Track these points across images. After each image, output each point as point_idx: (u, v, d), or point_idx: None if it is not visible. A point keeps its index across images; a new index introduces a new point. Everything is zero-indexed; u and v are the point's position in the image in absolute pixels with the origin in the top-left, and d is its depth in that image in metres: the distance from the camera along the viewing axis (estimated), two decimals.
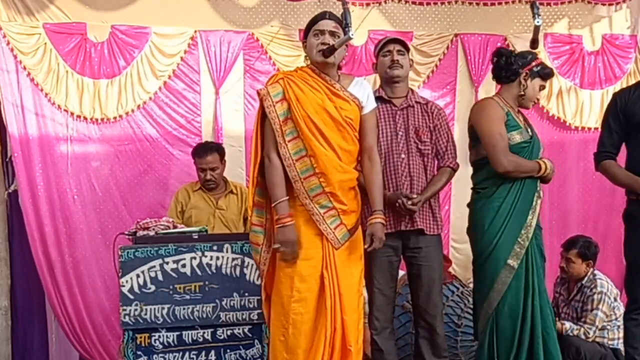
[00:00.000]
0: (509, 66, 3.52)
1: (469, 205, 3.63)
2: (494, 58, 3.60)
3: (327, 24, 3.11)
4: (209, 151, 4.39)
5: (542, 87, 3.63)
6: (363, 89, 3.22)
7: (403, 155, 3.52)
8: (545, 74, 3.58)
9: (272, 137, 3.10)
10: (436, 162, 3.67)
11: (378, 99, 3.61)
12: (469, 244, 3.64)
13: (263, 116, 3.15)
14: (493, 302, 3.41)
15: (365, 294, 4.48)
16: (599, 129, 3.72)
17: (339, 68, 3.23)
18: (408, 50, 3.65)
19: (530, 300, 3.41)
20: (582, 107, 5.15)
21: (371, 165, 3.21)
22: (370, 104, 3.23)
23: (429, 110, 3.63)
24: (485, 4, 5.04)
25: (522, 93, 3.53)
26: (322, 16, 3.16)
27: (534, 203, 3.47)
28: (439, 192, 3.66)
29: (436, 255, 3.59)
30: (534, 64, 3.54)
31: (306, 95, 3.07)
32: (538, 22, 3.41)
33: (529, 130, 3.55)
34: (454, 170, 3.67)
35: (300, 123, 3.04)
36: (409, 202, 3.42)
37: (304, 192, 3.06)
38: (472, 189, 3.61)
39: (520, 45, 4.96)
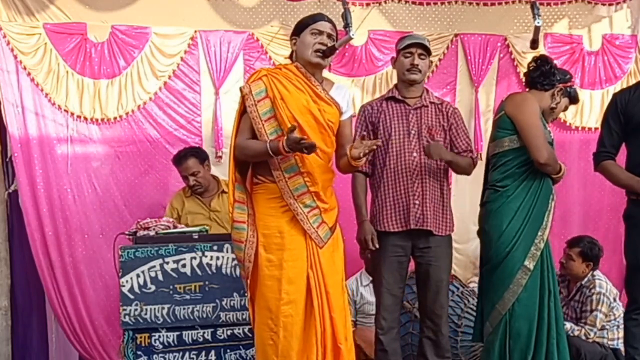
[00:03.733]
0: (550, 75, 3.52)
1: (482, 204, 3.58)
2: (537, 62, 3.57)
3: (326, 26, 3.09)
4: (185, 157, 4.45)
5: (566, 109, 3.69)
6: (342, 94, 3.20)
7: (415, 154, 3.51)
8: (575, 98, 3.64)
9: (246, 132, 3.09)
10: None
11: (391, 99, 3.61)
12: (480, 243, 3.60)
13: (242, 112, 3.13)
14: (508, 302, 3.39)
15: (367, 295, 4.51)
16: (599, 129, 3.71)
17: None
18: (430, 53, 3.64)
19: (546, 301, 3.41)
20: (583, 107, 5.14)
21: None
22: (349, 111, 3.23)
23: (444, 109, 3.63)
24: (485, 4, 5.03)
25: (554, 106, 3.55)
26: (320, 17, 3.14)
27: (550, 205, 3.47)
28: (447, 192, 3.63)
29: (445, 255, 3.59)
30: (569, 83, 3.59)
31: (291, 95, 3.05)
32: (538, 22, 3.42)
33: (551, 132, 3.57)
34: (474, 164, 3.65)
35: (286, 122, 3.01)
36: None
37: (288, 192, 3.03)
38: (489, 187, 3.54)
39: (521, 45, 4.98)
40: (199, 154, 4.51)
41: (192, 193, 4.50)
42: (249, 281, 3.13)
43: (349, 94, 3.31)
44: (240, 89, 3.16)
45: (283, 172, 3.03)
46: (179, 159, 4.47)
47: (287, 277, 3.01)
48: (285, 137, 2.93)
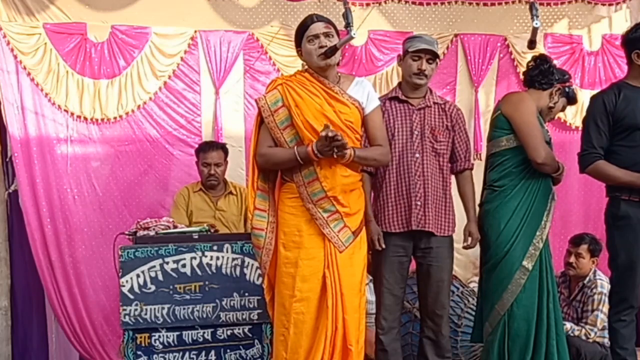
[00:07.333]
0: (549, 74, 3.52)
1: (481, 204, 3.58)
2: (536, 61, 3.57)
3: (319, 27, 3.10)
4: (215, 147, 4.48)
5: (564, 109, 3.69)
6: (363, 88, 3.21)
7: (417, 155, 3.51)
8: (573, 98, 3.64)
9: (267, 141, 3.13)
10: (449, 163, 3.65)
11: (394, 98, 3.60)
12: (479, 243, 3.57)
13: (260, 122, 3.16)
14: (506, 303, 3.39)
15: (368, 295, 4.50)
16: (581, 130, 3.62)
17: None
18: (438, 57, 3.63)
19: (545, 301, 3.41)
20: (582, 107, 5.13)
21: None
22: (371, 103, 3.22)
23: (447, 110, 3.62)
24: (485, 4, 5.04)
25: (552, 106, 3.55)
26: (310, 20, 3.14)
27: (549, 204, 3.47)
28: (450, 193, 3.61)
29: (446, 256, 3.58)
30: (567, 83, 3.59)
31: (305, 101, 3.07)
32: (536, 23, 3.43)
33: (548, 132, 3.57)
34: (471, 170, 3.67)
35: (301, 128, 3.05)
36: None
37: (307, 197, 3.06)
38: (487, 187, 3.55)
39: (520, 45, 4.98)
40: (225, 149, 4.55)
41: (201, 188, 4.49)
42: (265, 282, 3.18)
43: (370, 85, 3.33)
44: (256, 101, 3.20)
45: (303, 178, 3.06)
46: (208, 147, 4.48)
47: (301, 275, 3.04)
48: (316, 141, 2.98)
